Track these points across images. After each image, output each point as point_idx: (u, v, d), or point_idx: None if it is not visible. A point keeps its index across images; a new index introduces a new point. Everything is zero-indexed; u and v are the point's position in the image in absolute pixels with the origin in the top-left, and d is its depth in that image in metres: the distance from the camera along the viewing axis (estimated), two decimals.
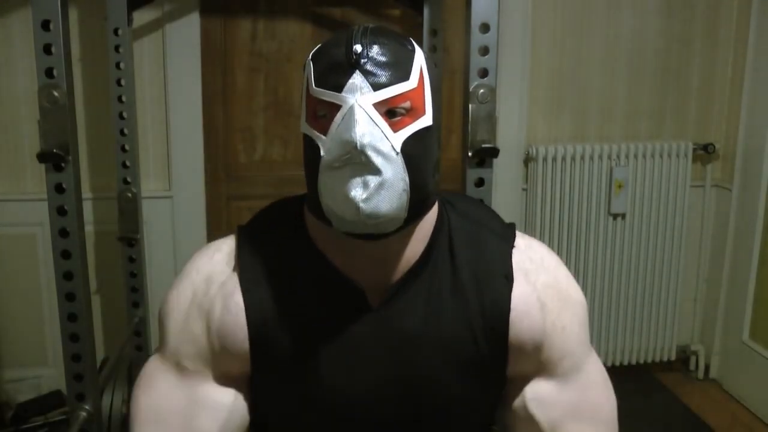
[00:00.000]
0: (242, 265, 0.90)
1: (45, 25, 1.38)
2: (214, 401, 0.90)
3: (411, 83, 0.82)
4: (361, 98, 0.78)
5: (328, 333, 0.88)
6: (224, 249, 0.93)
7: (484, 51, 1.43)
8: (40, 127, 1.40)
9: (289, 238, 0.91)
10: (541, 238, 2.70)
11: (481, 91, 1.42)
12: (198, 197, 2.58)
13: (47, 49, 1.39)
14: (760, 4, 2.63)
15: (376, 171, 0.78)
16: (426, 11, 2.20)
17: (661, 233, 2.79)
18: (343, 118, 0.78)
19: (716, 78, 2.82)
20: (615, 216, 2.74)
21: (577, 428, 0.91)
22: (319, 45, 0.86)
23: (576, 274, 2.75)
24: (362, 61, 0.80)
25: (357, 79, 0.79)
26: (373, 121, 0.78)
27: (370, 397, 0.90)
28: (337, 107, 0.79)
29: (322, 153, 0.80)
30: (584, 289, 2.76)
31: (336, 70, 0.80)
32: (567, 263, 2.68)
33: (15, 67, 2.37)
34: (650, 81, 2.78)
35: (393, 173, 0.79)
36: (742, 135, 2.73)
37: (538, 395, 0.92)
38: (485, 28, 1.42)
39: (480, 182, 1.49)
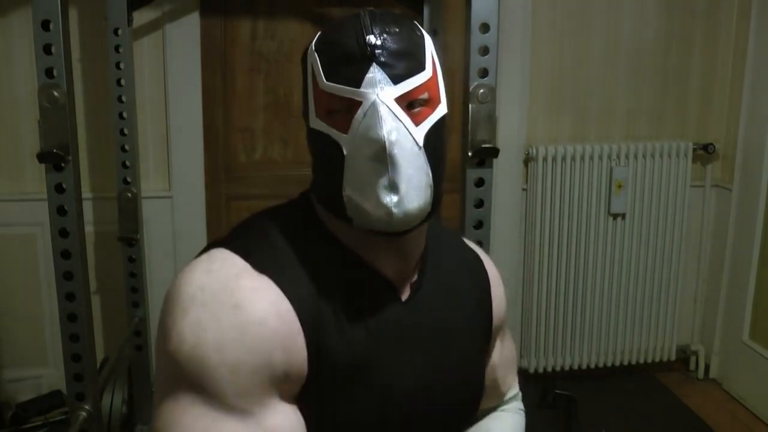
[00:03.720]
0: (265, 268, 0.77)
1: (45, 25, 1.38)
2: (291, 422, 0.76)
3: (427, 73, 0.79)
4: (382, 93, 0.75)
5: (371, 328, 0.81)
6: (216, 261, 0.78)
7: (484, 51, 1.43)
8: (40, 127, 1.40)
9: (304, 236, 0.83)
10: (541, 238, 2.70)
11: (481, 91, 1.43)
12: (198, 197, 2.58)
13: (47, 49, 1.39)
14: (760, 4, 2.63)
15: (403, 170, 0.75)
16: (426, 11, 2.20)
17: (661, 233, 2.79)
18: (365, 116, 0.74)
19: (716, 78, 2.82)
20: (615, 216, 2.74)
21: (510, 376, 1.09)
22: (319, 33, 0.81)
23: (576, 274, 2.75)
24: (377, 52, 0.75)
25: (375, 72, 0.75)
26: (397, 117, 0.75)
27: (418, 389, 0.84)
28: (356, 103, 0.75)
29: (344, 152, 0.76)
30: (584, 289, 2.78)
31: (349, 64, 0.76)
32: (567, 263, 2.73)
33: (15, 67, 2.37)
34: (650, 81, 2.78)
35: (418, 169, 0.76)
36: (742, 135, 2.73)
37: (493, 360, 1.04)
38: (485, 28, 1.43)
39: (480, 182, 1.49)
